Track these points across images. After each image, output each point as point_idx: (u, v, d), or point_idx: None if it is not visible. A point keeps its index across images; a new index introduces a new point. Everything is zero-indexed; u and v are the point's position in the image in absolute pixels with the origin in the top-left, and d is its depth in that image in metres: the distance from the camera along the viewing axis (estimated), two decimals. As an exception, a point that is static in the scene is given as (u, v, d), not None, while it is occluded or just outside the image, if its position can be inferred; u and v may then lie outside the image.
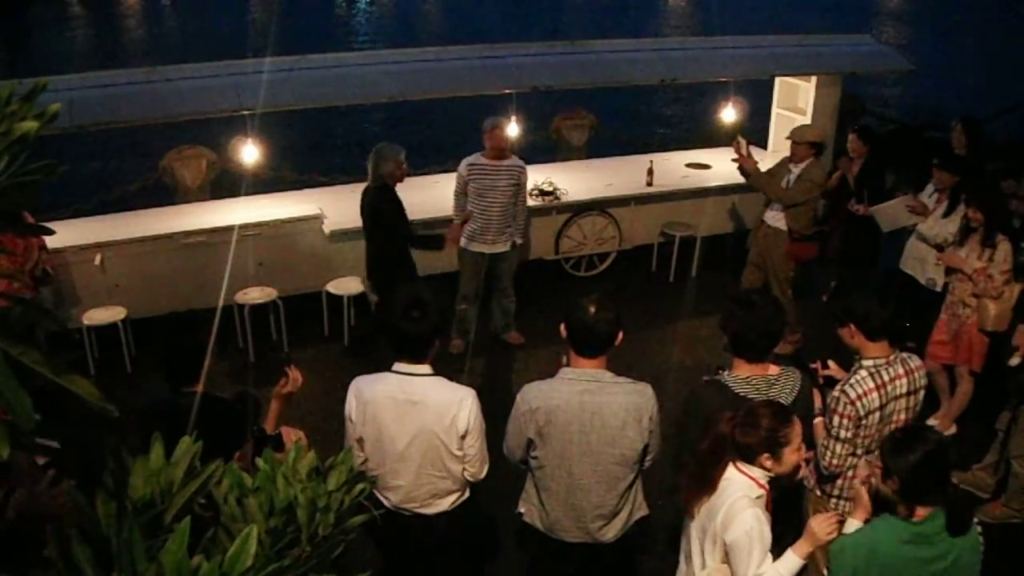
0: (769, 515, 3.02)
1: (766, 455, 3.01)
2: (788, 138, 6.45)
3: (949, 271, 5.64)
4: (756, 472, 3.03)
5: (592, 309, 3.25)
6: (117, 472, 1.23)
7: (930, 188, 6.25)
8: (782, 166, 6.56)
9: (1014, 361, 4.96)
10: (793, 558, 2.98)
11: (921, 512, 2.87)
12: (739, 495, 2.96)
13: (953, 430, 5.75)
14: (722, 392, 3.39)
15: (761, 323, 3.41)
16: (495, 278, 6.72)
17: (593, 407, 3.27)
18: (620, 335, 3.32)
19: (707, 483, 3.06)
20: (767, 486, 3.05)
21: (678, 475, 3.35)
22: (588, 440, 3.28)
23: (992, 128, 9.12)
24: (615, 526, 3.44)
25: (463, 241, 6.46)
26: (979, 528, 2.98)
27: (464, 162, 6.47)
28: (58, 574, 1.15)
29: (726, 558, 2.99)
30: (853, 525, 3.09)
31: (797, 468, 3.13)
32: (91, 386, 1.12)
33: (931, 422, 5.62)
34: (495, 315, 6.94)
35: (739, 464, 3.04)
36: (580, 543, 3.45)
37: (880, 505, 3.01)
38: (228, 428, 3.11)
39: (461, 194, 6.51)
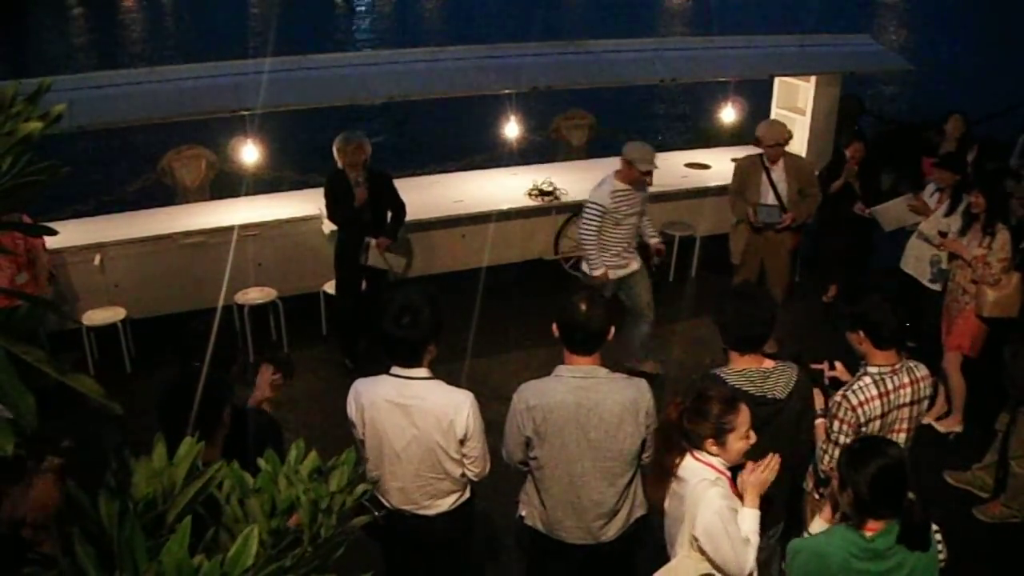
0: (736, 499, 3.06)
1: (710, 440, 3.05)
2: (770, 143, 6.30)
3: (951, 258, 5.70)
4: (712, 459, 3.08)
5: (583, 306, 3.29)
6: (120, 471, 1.23)
7: (931, 187, 6.27)
8: (752, 169, 6.46)
9: None
10: (750, 512, 3.05)
11: (873, 526, 2.85)
12: (698, 479, 3.02)
13: (959, 428, 5.76)
14: (718, 385, 3.40)
15: (753, 314, 3.47)
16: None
17: (590, 403, 3.28)
18: (612, 330, 3.35)
19: (663, 470, 3.12)
20: (726, 472, 3.09)
21: None
22: (587, 436, 3.29)
23: (992, 128, 9.12)
24: (615, 524, 3.44)
25: None
26: (938, 537, 2.95)
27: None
28: (60, 574, 1.15)
29: (694, 543, 3.02)
30: (818, 524, 3.13)
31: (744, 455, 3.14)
32: (95, 384, 1.13)
33: (926, 421, 5.63)
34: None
35: (695, 452, 3.09)
36: (581, 544, 3.46)
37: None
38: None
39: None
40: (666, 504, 3.18)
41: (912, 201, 6.26)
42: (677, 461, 3.10)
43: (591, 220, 5.86)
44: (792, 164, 6.44)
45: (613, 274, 5.98)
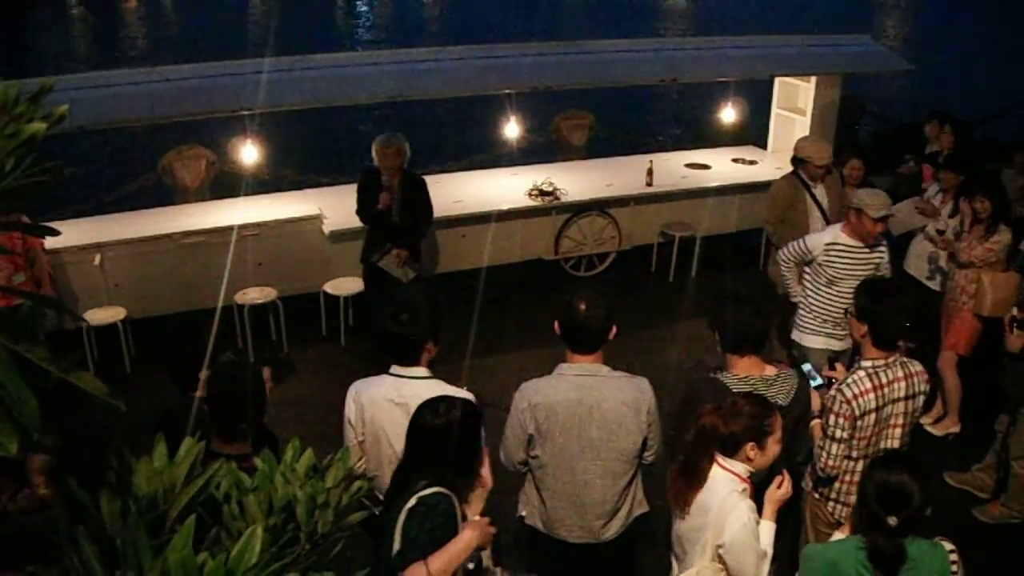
0: (754, 505, 3.06)
1: (751, 445, 3.04)
2: (820, 164, 5.88)
3: (949, 257, 5.71)
4: (738, 467, 3.07)
5: (583, 306, 3.30)
6: (121, 471, 1.23)
7: (934, 188, 6.27)
8: (793, 191, 5.96)
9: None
10: (768, 525, 3.08)
11: None
12: (727, 491, 3.00)
13: (956, 429, 5.76)
14: (720, 390, 3.41)
15: (751, 314, 3.52)
16: None
17: (592, 401, 3.29)
18: (614, 329, 3.36)
19: (697, 475, 3.09)
20: (749, 480, 3.08)
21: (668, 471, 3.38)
22: (588, 435, 3.30)
23: (990, 130, 9.14)
24: (616, 523, 3.45)
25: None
26: (950, 547, 2.90)
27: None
28: (64, 572, 1.15)
29: (715, 555, 3.01)
30: (839, 536, 3.12)
31: (776, 461, 3.14)
32: (98, 382, 1.13)
33: (924, 421, 5.64)
34: None
35: (720, 460, 3.07)
36: (581, 542, 3.46)
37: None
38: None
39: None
40: (687, 506, 3.15)
41: (919, 204, 6.24)
42: (708, 468, 3.09)
43: (784, 259, 5.21)
44: (833, 183, 6.06)
45: (824, 343, 5.01)
